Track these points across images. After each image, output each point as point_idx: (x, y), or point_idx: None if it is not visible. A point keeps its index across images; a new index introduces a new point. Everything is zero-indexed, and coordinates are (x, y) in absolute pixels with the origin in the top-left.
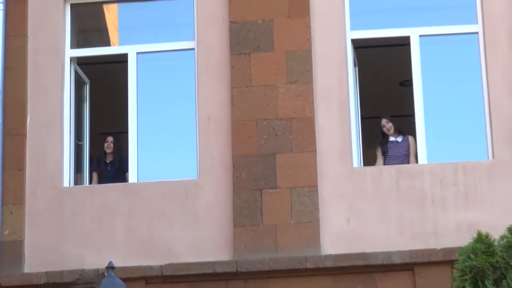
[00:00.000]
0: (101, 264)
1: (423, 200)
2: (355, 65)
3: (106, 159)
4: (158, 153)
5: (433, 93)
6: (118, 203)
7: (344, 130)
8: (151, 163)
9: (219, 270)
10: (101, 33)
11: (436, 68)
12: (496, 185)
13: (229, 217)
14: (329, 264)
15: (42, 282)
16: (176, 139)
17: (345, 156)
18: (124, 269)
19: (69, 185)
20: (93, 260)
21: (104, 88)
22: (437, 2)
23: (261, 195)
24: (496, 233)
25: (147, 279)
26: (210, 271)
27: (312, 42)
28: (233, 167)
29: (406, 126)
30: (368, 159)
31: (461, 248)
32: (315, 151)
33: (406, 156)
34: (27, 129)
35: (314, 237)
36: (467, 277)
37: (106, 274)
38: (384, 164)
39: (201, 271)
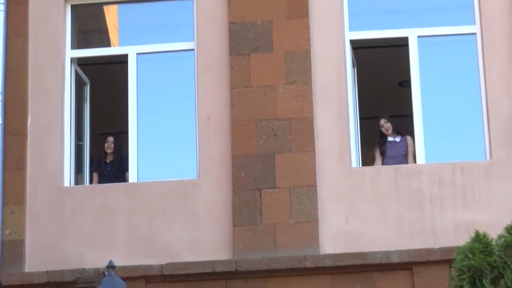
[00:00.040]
0: (102, 263)
1: (421, 200)
2: (353, 66)
3: (106, 159)
4: (158, 153)
5: (431, 93)
6: (118, 203)
7: (343, 130)
8: (151, 163)
9: (219, 269)
10: (102, 34)
11: (434, 69)
12: (494, 185)
13: (228, 217)
14: (328, 263)
15: (43, 281)
16: (176, 139)
17: (343, 156)
18: (124, 268)
19: (70, 184)
20: (93, 259)
21: (104, 88)
22: (435, 3)
23: (260, 194)
24: (493, 233)
25: (147, 278)
26: (210, 270)
27: (311, 43)
28: (233, 167)
29: (405, 126)
30: (367, 159)
31: (459, 247)
32: (314, 151)
33: (405, 156)
34: (28, 129)
35: (313, 237)
36: (465, 276)
37: (106, 273)
38: (383, 164)
39: (200, 270)
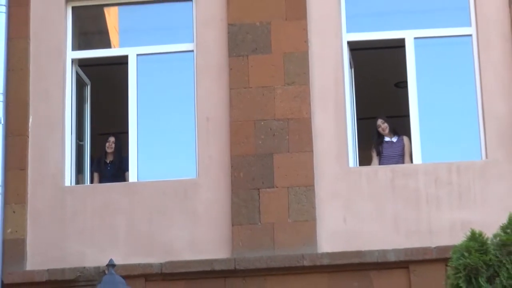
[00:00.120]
0: (102, 262)
1: (418, 199)
2: (351, 67)
3: (106, 159)
4: (157, 153)
5: (428, 94)
6: (118, 202)
7: (340, 131)
8: (151, 163)
9: (218, 267)
10: (102, 35)
11: (431, 70)
12: (489, 185)
13: (227, 216)
14: (325, 262)
15: (44, 279)
16: (176, 139)
17: (341, 156)
18: (124, 266)
19: (71, 184)
20: (94, 257)
21: (105, 89)
22: (432, 5)
23: (258, 194)
24: (489, 232)
25: (147, 277)
26: (209, 268)
27: (309, 44)
28: (231, 166)
29: (401, 127)
30: (364, 159)
31: (455, 246)
32: (311, 151)
33: (401, 156)
34: (29, 130)
35: (311, 236)
36: (461, 274)
37: (106, 271)
38: (380, 164)
39: (200, 269)
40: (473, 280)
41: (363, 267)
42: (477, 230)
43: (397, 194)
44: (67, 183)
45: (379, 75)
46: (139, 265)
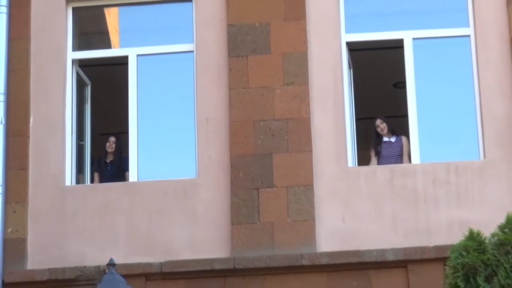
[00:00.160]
0: (102, 261)
1: (416, 199)
2: (350, 67)
3: (106, 158)
4: (157, 153)
5: (426, 94)
6: (118, 202)
7: (339, 131)
8: (151, 163)
9: (217, 267)
10: (102, 35)
11: (429, 70)
12: (487, 185)
13: (227, 215)
14: (324, 261)
15: (45, 278)
16: (175, 139)
17: (340, 156)
18: (124, 266)
19: (71, 184)
20: (94, 257)
21: (105, 89)
22: (430, 6)
23: (258, 194)
24: (487, 231)
25: (147, 276)
26: (209, 268)
27: (308, 45)
28: (231, 166)
29: (400, 127)
30: (363, 159)
31: (453, 245)
32: (311, 151)
33: (400, 156)
34: (30, 130)
35: (310, 235)
36: (459, 274)
37: (107, 270)
38: (378, 164)
39: (199, 268)
40: (471, 279)
41: (362, 266)
42: (475, 229)
43: (396, 193)
44: (68, 182)
45: (378, 75)
46: (139, 264)
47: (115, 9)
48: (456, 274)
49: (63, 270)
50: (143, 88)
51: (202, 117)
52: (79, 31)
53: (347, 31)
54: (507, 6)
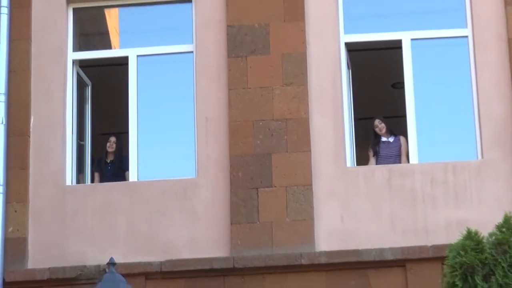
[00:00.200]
0: (103, 260)
1: (414, 198)
2: (348, 68)
3: (106, 158)
4: (157, 153)
5: (424, 95)
6: (119, 201)
7: (338, 131)
8: (151, 162)
9: (217, 266)
10: (103, 36)
11: (427, 71)
12: (485, 184)
13: (226, 215)
14: (323, 260)
15: (45, 277)
16: (175, 139)
17: (338, 156)
18: (124, 265)
19: (71, 183)
20: (94, 256)
21: (105, 89)
22: (428, 7)
23: (257, 193)
24: (484, 231)
25: (147, 275)
26: (208, 267)
27: (307, 46)
28: (230, 166)
29: (398, 127)
30: (361, 159)
31: (451, 245)
32: (309, 151)
33: (398, 156)
34: (31, 130)
35: (309, 234)
36: (457, 273)
37: (107, 270)
38: (377, 163)
39: (199, 267)
40: (469, 278)
41: (361, 265)
42: (473, 229)
43: (394, 193)
44: (68, 182)
45: (376, 75)
46: (139, 263)
47: (116, 10)
48: (454, 273)
49: (64, 269)
50: (143, 88)
51: (202, 117)
52: (79, 31)
53: (346, 32)
54: (505, 7)
